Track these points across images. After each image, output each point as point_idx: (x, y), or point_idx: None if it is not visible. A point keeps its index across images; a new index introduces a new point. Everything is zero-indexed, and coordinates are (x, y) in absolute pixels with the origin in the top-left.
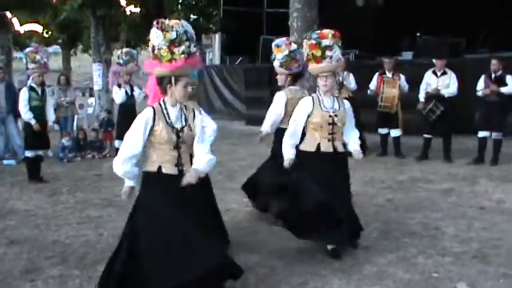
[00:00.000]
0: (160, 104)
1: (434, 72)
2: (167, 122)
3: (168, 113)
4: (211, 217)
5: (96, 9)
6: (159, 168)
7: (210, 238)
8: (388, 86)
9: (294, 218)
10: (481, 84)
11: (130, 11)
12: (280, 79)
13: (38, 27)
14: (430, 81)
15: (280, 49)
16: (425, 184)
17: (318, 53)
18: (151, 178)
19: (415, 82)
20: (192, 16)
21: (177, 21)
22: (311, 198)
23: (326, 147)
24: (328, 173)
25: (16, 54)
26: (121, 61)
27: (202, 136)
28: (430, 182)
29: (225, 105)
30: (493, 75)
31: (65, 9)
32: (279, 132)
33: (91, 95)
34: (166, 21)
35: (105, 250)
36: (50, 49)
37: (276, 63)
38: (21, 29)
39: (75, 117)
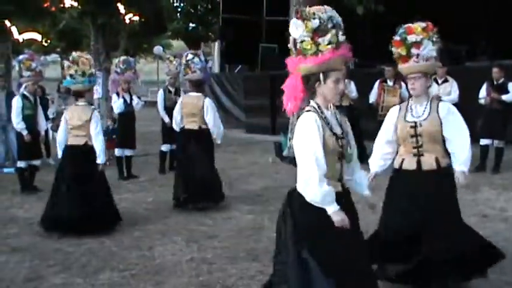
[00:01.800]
0: (315, 108)
1: (435, 80)
2: (330, 129)
3: (326, 117)
4: None
5: (96, 17)
6: None
7: None
8: (388, 95)
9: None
10: (483, 92)
11: (129, 19)
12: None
13: (37, 36)
14: (431, 89)
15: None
16: None
17: (403, 52)
18: None
19: None
20: (191, 24)
21: (319, 7)
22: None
23: (409, 163)
24: (409, 195)
25: (15, 62)
26: (118, 70)
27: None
28: None
29: (225, 113)
30: (495, 83)
31: (64, 17)
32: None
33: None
34: (307, 9)
35: (107, 258)
36: (49, 58)
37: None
38: (20, 37)
39: None
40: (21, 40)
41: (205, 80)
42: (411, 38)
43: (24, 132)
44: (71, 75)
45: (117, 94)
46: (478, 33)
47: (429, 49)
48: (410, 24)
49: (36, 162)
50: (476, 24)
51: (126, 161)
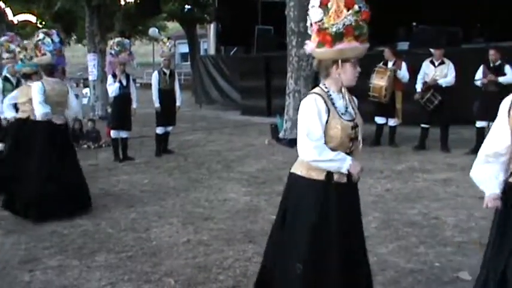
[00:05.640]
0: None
1: (432, 62)
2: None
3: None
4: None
5: None
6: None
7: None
8: (377, 76)
9: None
10: (479, 74)
11: (124, 0)
12: None
13: (31, 17)
14: (427, 71)
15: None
16: (424, 174)
17: None
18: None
19: (411, 72)
20: (186, 6)
21: None
22: None
23: None
24: None
25: None
26: (113, 51)
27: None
28: (428, 172)
29: (221, 95)
30: (491, 65)
31: None
32: None
33: (85, 86)
34: None
35: (103, 240)
36: None
37: None
38: (15, 19)
39: None
40: (15, 22)
41: (59, 65)
42: None
43: (2, 116)
44: (21, 60)
45: (114, 76)
46: (474, 15)
47: None
48: None
49: None
50: (473, 6)
51: (122, 143)
